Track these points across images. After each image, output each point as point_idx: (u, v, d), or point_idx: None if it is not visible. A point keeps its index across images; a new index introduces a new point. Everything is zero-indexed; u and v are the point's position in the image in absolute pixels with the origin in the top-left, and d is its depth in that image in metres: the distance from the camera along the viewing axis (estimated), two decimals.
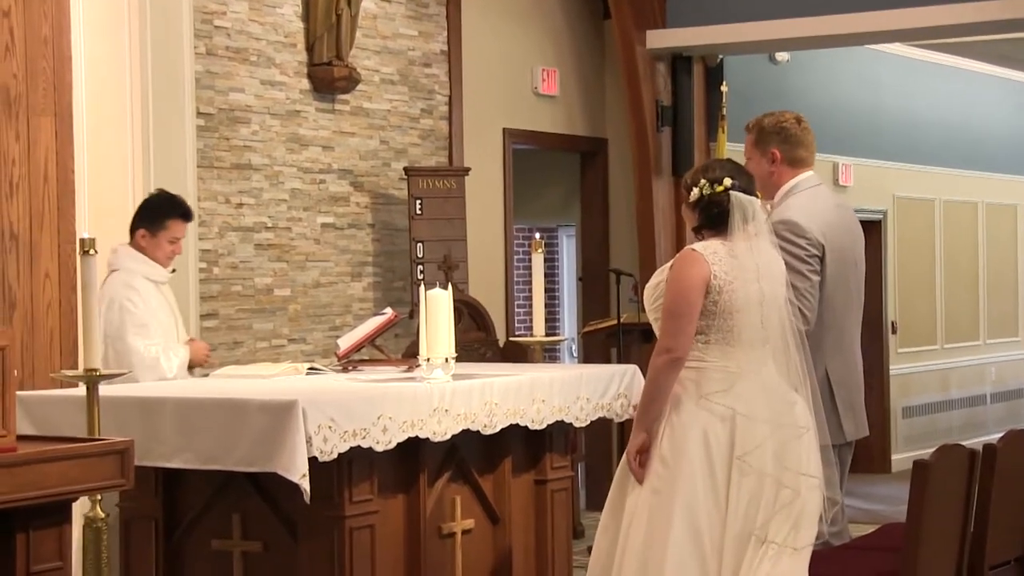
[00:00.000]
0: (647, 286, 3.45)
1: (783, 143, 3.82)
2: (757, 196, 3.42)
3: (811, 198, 3.80)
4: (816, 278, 3.68)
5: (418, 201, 6.16)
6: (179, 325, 4.43)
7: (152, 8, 5.15)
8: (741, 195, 3.33)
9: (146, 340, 4.15)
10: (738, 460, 3.23)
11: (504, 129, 6.99)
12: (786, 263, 3.55)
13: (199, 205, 5.34)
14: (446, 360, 3.75)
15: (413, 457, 3.68)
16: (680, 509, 3.20)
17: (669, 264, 3.41)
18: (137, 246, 4.32)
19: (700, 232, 3.40)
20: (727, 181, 3.32)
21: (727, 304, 3.28)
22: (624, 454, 3.38)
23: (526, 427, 3.91)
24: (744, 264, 3.31)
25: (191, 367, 4.32)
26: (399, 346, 6.02)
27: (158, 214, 4.31)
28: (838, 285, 3.76)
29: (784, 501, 3.23)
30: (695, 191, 3.37)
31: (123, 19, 5.13)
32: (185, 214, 4.34)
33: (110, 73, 5.15)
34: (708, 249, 3.32)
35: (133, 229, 4.34)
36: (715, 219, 3.34)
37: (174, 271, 4.44)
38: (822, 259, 3.71)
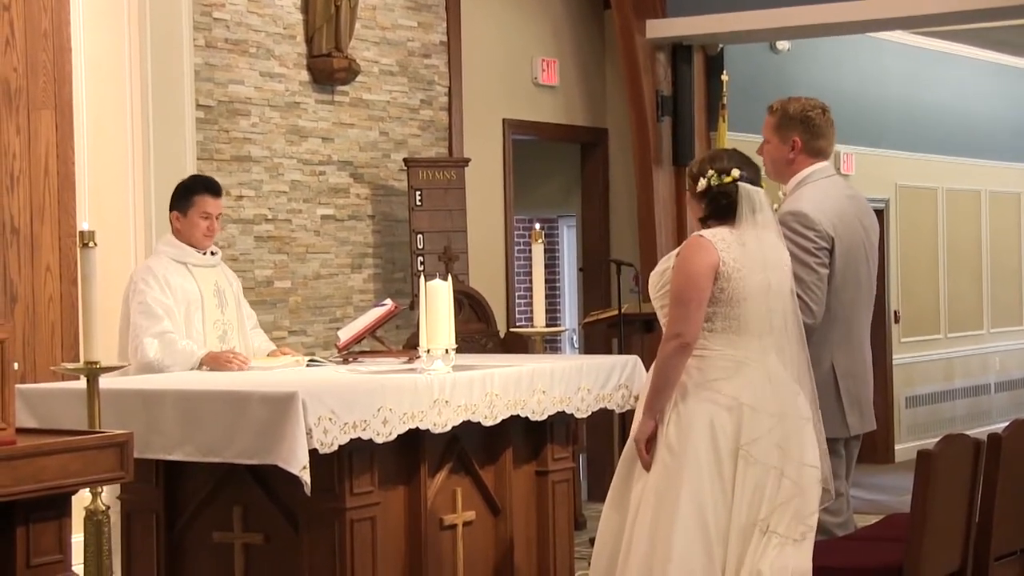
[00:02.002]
0: (653, 273, 3.44)
1: (806, 132, 3.76)
2: (762, 187, 3.40)
3: (823, 189, 3.75)
4: (824, 271, 3.65)
5: (418, 192, 6.15)
6: (226, 311, 4.31)
7: (151, 1, 5.14)
8: (749, 186, 3.32)
9: (145, 320, 4.14)
10: (743, 449, 3.22)
11: (504, 120, 6.98)
12: (794, 255, 3.52)
13: None
14: (446, 351, 3.74)
15: (414, 449, 3.67)
16: (686, 497, 3.19)
17: (675, 251, 3.39)
18: (175, 231, 4.33)
19: (706, 222, 3.38)
20: (735, 172, 3.32)
21: (734, 292, 3.27)
22: (629, 441, 3.37)
23: (527, 418, 3.90)
24: (752, 253, 3.30)
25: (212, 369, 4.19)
26: (400, 337, 6.01)
27: (185, 193, 4.34)
28: (847, 278, 3.72)
29: (786, 492, 3.22)
30: (702, 181, 3.35)
31: (122, 12, 5.13)
32: (209, 187, 4.36)
33: (110, 66, 5.14)
34: (716, 236, 3.31)
35: (170, 216, 4.35)
36: (723, 209, 3.34)
37: (214, 254, 4.39)
38: (831, 252, 3.67)
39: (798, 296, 3.54)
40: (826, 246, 3.66)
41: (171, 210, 4.36)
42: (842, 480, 3.68)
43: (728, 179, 3.31)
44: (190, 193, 4.33)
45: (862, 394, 3.78)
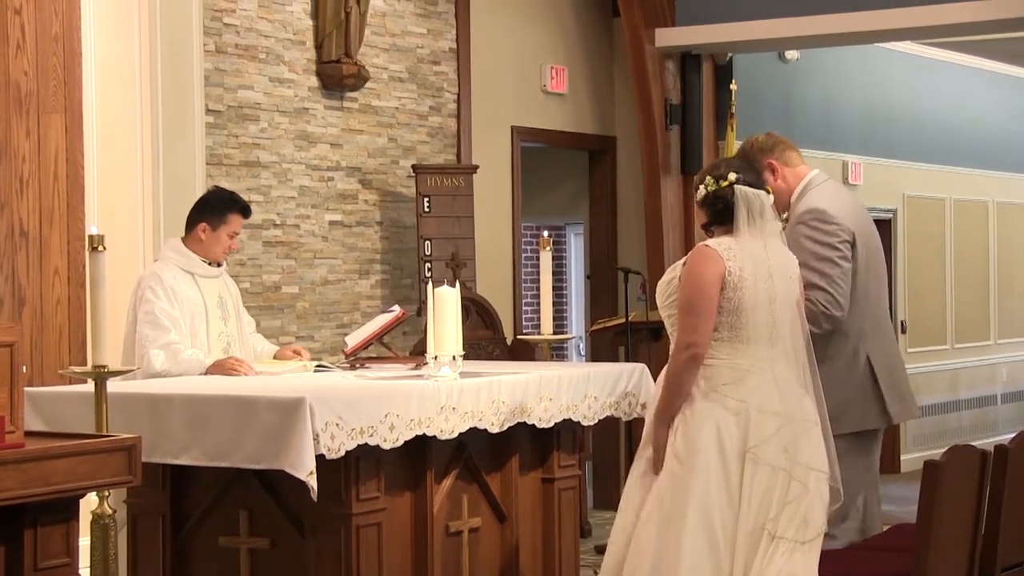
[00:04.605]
0: (660, 283, 3.45)
1: (770, 152, 3.85)
2: (767, 191, 3.42)
3: (830, 190, 3.84)
4: (847, 265, 3.69)
5: (426, 199, 6.16)
6: (228, 323, 4.33)
7: (162, 5, 5.16)
8: (747, 188, 3.34)
9: (152, 331, 4.14)
10: (750, 452, 3.22)
11: (512, 127, 6.99)
12: (816, 251, 3.57)
13: None
14: (454, 358, 3.75)
15: (420, 455, 3.67)
16: (694, 506, 3.20)
17: (682, 261, 3.40)
18: (195, 239, 4.32)
19: (709, 229, 3.40)
20: (731, 176, 3.34)
21: (740, 301, 3.28)
22: (638, 455, 3.37)
23: (534, 425, 3.90)
24: (758, 261, 3.31)
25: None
26: (407, 344, 6.02)
27: (220, 208, 4.33)
28: (870, 272, 3.79)
29: (793, 495, 3.22)
30: (701, 188, 3.39)
31: (133, 17, 5.14)
32: (244, 209, 4.38)
33: (120, 70, 5.16)
34: (722, 245, 3.32)
35: (192, 223, 4.34)
36: (721, 214, 3.35)
37: (219, 264, 4.40)
38: (853, 245, 3.72)
39: (826, 289, 3.58)
40: (847, 239, 3.71)
41: (199, 220, 4.33)
42: (861, 485, 3.68)
43: (724, 183, 3.33)
44: (226, 210, 4.31)
45: (900, 382, 3.83)
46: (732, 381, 3.27)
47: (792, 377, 3.33)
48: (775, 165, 3.82)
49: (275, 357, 4.43)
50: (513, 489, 3.95)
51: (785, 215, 3.81)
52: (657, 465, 3.30)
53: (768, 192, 3.42)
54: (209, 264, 4.35)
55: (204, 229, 4.31)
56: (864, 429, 3.65)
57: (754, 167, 3.47)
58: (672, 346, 3.35)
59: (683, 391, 3.28)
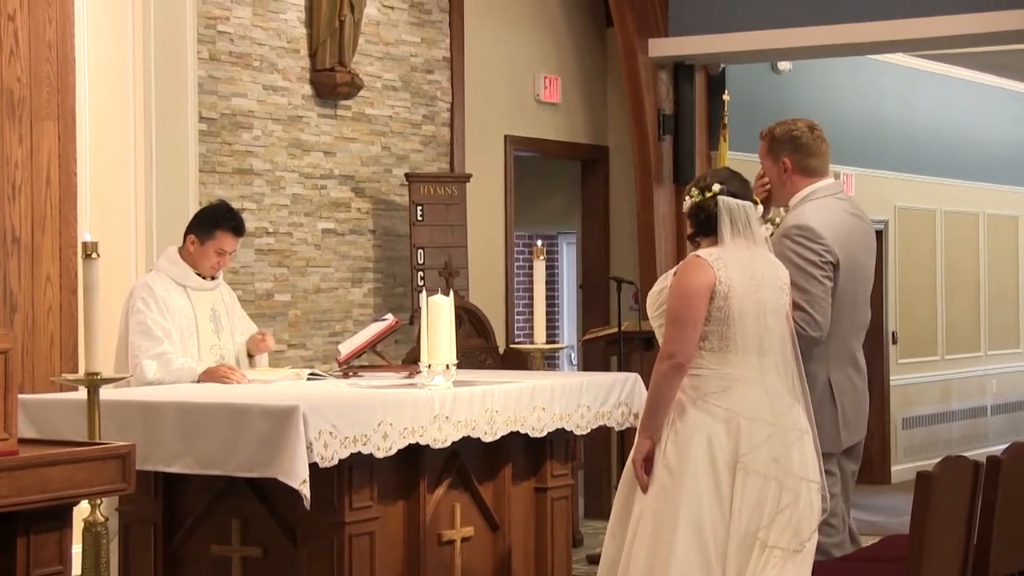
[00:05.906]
0: (651, 292, 3.45)
1: (794, 152, 3.78)
2: (755, 202, 3.41)
3: (827, 206, 3.78)
4: (829, 284, 3.66)
5: (419, 207, 6.17)
6: (221, 335, 4.32)
7: (156, 13, 5.16)
8: (730, 200, 3.34)
9: (144, 341, 4.13)
10: (741, 460, 3.22)
11: (506, 136, 7.00)
12: (800, 268, 3.55)
13: None
14: (447, 367, 3.75)
15: (413, 464, 3.67)
16: (684, 516, 3.19)
17: (673, 271, 3.41)
18: (185, 251, 4.31)
19: (695, 240, 3.41)
20: (715, 187, 3.35)
21: (728, 311, 3.28)
22: (628, 463, 3.37)
23: (526, 435, 3.90)
24: (748, 272, 3.31)
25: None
26: (400, 352, 6.01)
27: (209, 223, 4.29)
28: (845, 295, 3.74)
29: (785, 504, 3.22)
30: (687, 200, 3.40)
31: (127, 23, 5.14)
32: (235, 228, 4.31)
33: (113, 77, 5.16)
34: (712, 255, 3.33)
35: (186, 234, 4.33)
36: (704, 224, 3.36)
37: (214, 278, 4.37)
38: (835, 268, 3.70)
39: (805, 309, 3.56)
40: (831, 260, 3.67)
41: (190, 232, 4.32)
42: (838, 499, 3.68)
43: (708, 194, 3.34)
44: (214, 226, 4.28)
45: (849, 412, 3.79)
46: (720, 390, 3.27)
47: (782, 388, 3.33)
48: (788, 165, 3.77)
49: (248, 347, 4.41)
50: (506, 498, 3.95)
51: (776, 219, 3.79)
52: (639, 479, 3.29)
53: (756, 203, 3.42)
54: (203, 278, 4.33)
55: (193, 241, 4.30)
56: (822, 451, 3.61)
57: (741, 177, 3.46)
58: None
59: (665, 401, 3.27)
